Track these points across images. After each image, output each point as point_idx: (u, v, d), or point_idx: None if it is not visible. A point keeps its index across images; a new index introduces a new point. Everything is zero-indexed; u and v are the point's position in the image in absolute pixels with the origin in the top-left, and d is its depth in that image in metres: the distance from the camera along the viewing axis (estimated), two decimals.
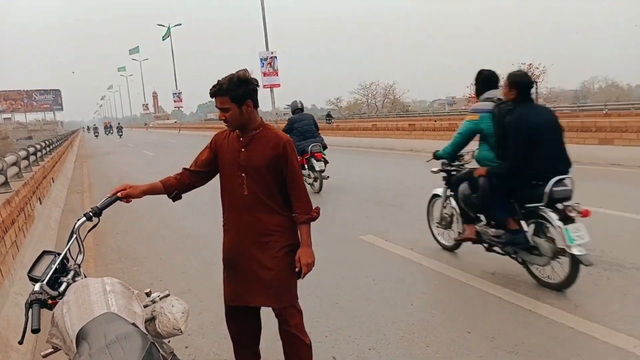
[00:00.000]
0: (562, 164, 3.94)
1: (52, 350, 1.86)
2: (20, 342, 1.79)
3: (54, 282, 1.87)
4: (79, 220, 2.18)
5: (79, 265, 2.01)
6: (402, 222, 6.64)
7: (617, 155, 10.53)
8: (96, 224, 2.29)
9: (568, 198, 3.87)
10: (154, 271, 5.20)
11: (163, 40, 62.35)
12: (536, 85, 49.16)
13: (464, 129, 4.52)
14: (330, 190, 9.50)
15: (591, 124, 11.39)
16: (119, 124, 32.42)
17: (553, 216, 3.83)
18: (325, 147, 9.23)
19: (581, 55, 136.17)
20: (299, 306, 2.59)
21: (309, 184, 9.25)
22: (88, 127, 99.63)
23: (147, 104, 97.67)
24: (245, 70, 2.41)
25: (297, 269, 2.52)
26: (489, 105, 4.29)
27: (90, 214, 2.24)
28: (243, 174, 2.47)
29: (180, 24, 62.65)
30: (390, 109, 57.24)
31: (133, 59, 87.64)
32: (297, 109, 9.51)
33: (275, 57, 32.38)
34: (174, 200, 2.66)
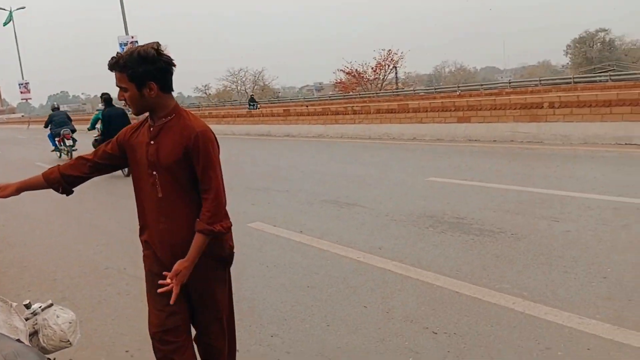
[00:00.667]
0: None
1: None
2: None
3: None
4: None
5: None
6: (288, 206, 6.66)
7: (473, 132, 11.58)
8: None
9: None
10: (19, 281, 4.63)
11: (4, 25, 55.51)
12: (396, 70, 52.34)
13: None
14: None
15: (450, 104, 12.35)
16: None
17: None
18: (74, 131, 15.11)
19: (430, 42, 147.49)
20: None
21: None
22: None
23: None
24: (156, 43, 1.98)
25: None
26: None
27: None
28: (154, 172, 2.06)
29: (24, 7, 56.20)
30: (261, 95, 57.17)
31: None
32: (55, 108, 16.17)
33: (137, 41, 30.46)
34: (66, 195, 2.26)
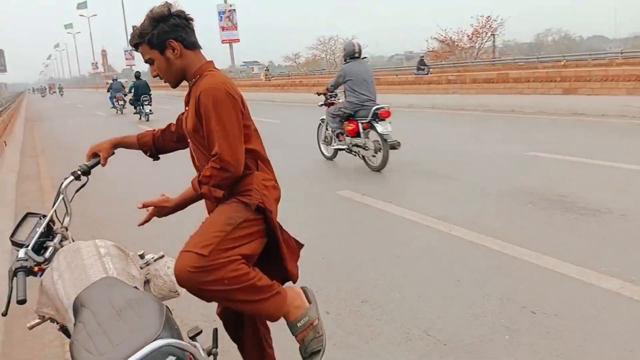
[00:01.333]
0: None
1: (38, 320, 1.70)
2: (4, 314, 1.62)
3: (39, 247, 1.68)
4: (65, 179, 1.96)
5: (66, 228, 1.82)
6: (378, 176, 6.59)
7: (580, 104, 10.74)
8: (84, 184, 2.05)
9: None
10: (125, 235, 4.99)
11: None
12: (494, 38, 49.56)
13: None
14: (302, 147, 9.34)
15: (555, 74, 11.53)
16: (59, 85, 32.83)
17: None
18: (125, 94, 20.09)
19: (535, 7, 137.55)
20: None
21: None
22: (34, 88, 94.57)
23: (96, 63, 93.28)
24: (166, 3, 1.86)
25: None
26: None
27: (79, 172, 1.99)
28: (189, 140, 2.01)
29: None
30: None
31: (81, 15, 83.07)
32: (114, 79, 19.11)
33: (234, 10, 31.24)
34: (153, 160, 2.28)
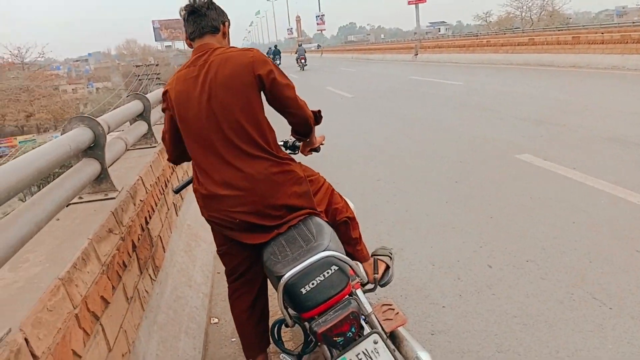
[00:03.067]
0: None
1: None
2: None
3: None
4: None
5: None
6: (564, 141, 6.22)
7: None
8: None
9: None
10: None
11: None
12: None
13: None
14: (480, 109, 9.13)
15: None
16: (275, 46, 36.50)
17: None
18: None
19: None
20: None
21: None
22: None
23: (291, 28, 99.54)
24: None
25: None
26: None
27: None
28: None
29: None
30: (548, 22, 51.45)
31: None
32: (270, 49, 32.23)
33: None
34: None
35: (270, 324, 2.01)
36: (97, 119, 2.27)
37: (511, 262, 3.25)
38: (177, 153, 2.09)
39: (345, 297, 1.64)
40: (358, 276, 1.78)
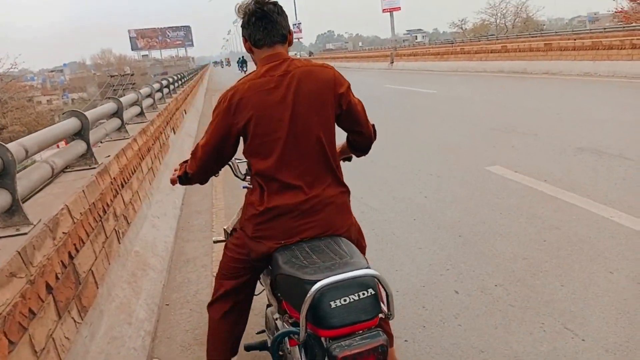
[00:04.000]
0: None
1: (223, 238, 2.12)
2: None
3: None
4: None
5: None
6: (535, 151, 6.09)
7: None
8: None
9: None
10: None
11: None
12: None
13: None
14: (452, 118, 9.02)
15: None
16: (243, 56, 36.77)
17: None
18: None
19: None
20: None
21: None
22: (216, 62, 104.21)
23: None
24: None
25: None
26: None
27: None
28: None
29: None
30: (522, 29, 52.14)
31: None
32: None
33: None
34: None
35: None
36: (6, 145, 2.00)
37: (479, 287, 3.05)
38: (211, 170, 1.97)
39: (373, 326, 1.49)
40: (386, 308, 1.57)
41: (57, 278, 2.04)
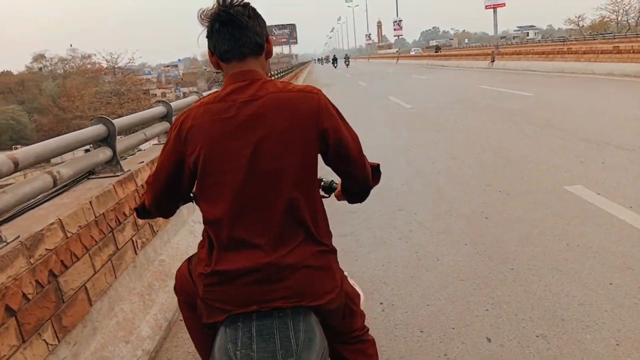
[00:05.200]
0: None
1: None
2: None
3: None
4: None
5: None
6: (628, 170, 5.31)
7: None
8: None
9: None
10: None
11: None
12: None
13: None
14: (541, 125, 8.21)
15: None
16: (346, 54, 37.99)
17: None
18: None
19: None
20: None
21: None
22: (319, 59, 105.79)
23: (369, 34, 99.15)
24: None
25: None
26: None
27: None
28: None
29: None
30: None
31: None
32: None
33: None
34: None
35: None
36: None
37: (517, 336, 2.62)
38: (165, 208, 1.65)
39: None
40: None
41: (26, 299, 1.98)
